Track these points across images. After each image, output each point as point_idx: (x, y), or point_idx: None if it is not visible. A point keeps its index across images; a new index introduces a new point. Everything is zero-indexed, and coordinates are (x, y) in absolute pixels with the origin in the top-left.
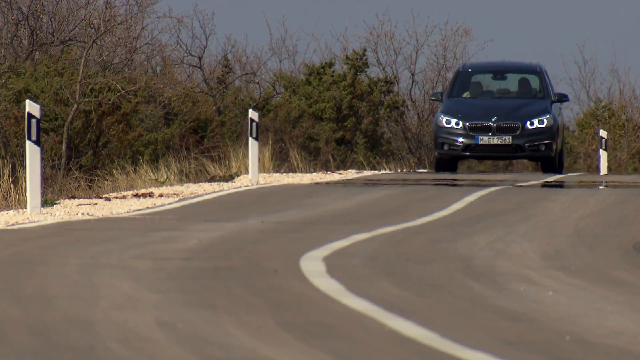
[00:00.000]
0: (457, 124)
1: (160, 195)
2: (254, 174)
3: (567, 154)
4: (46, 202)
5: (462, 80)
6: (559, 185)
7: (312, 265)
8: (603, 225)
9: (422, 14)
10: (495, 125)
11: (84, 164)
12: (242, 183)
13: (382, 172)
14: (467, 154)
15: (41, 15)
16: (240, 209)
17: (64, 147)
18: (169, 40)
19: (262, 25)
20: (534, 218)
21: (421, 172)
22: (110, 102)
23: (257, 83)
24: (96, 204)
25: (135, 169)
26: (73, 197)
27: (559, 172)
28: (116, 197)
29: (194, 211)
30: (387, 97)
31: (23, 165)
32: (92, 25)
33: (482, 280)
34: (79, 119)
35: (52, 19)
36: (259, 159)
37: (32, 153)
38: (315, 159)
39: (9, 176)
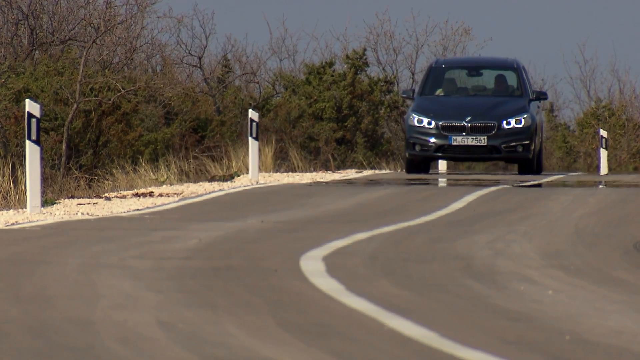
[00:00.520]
0: (429, 123)
1: (161, 195)
2: (254, 174)
3: (567, 154)
4: (46, 202)
5: (435, 76)
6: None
7: (312, 265)
8: (603, 225)
9: (422, 13)
10: (469, 125)
11: (84, 164)
12: (242, 183)
13: (383, 171)
14: (440, 155)
15: (41, 15)
16: (240, 209)
17: (64, 146)
18: (168, 40)
19: (262, 24)
20: (534, 217)
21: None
22: (110, 102)
23: (257, 83)
24: (96, 203)
25: (135, 169)
26: (73, 196)
27: (537, 173)
28: (116, 197)
29: (194, 211)
30: (387, 97)
31: (23, 165)
32: (92, 25)
33: (482, 279)
34: (79, 119)
35: (52, 19)
36: (261, 159)
37: (32, 153)
38: (315, 159)
39: (9, 176)
